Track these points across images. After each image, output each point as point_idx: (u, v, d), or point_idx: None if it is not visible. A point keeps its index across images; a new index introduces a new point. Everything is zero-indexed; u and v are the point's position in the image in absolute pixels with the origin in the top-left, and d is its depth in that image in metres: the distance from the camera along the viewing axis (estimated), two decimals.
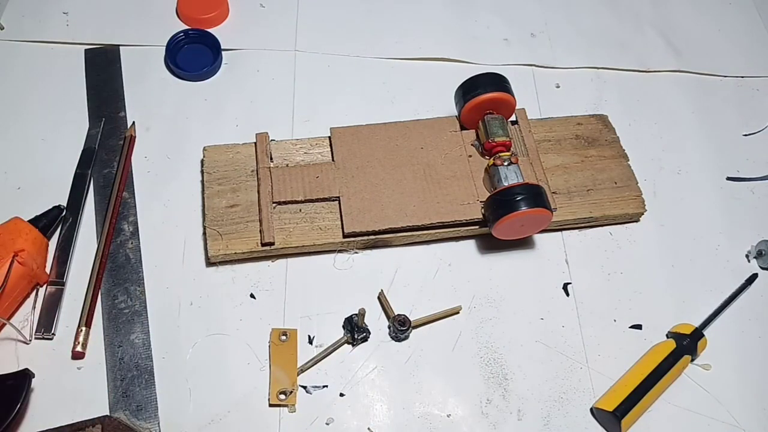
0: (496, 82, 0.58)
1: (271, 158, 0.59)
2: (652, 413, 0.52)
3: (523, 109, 0.63)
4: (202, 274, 0.55)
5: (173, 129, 0.63)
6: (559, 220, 0.58)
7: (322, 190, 0.57)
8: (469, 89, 0.59)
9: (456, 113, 0.61)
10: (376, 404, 0.51)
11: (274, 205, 0.56)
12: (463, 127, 0.61)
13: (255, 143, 0.59)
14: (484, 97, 0.58)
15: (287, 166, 0.58)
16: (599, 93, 0.70)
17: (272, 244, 0.54)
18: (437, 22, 0.74)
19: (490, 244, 0.58)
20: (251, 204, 0.56)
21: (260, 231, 0.55)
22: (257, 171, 0.57)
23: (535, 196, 0.53)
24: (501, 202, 0.53)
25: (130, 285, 0.54)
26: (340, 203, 0.56)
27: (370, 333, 0.53)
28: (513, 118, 0.62)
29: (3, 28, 0.67)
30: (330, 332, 0.53)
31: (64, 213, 0.56)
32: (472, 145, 0.60)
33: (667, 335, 0.56)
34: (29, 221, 0.53)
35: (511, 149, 0.58)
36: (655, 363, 0.52)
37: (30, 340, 0.51)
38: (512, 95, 0.59)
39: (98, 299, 0.53)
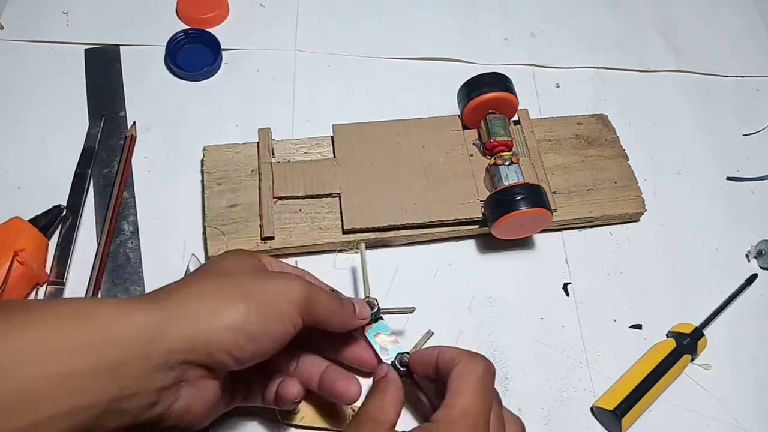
0: (499, 81, 0.58)
1: (273, 154, 0.59)
2: (652, 412, 0.52)
3: (526, 109, 0.63)
4: None
5: (173, 129, 0.63)
6: (559, 220, 0.58)
7: (323, 186, 0.57)
8: (472, 88, 0.59)
9: (458, 112, 0.61)
10: None
11: (274, 200, 0.56)
12: (465, 126, 0.61)
13: (257, 140, 0.59)
14: (487, 96, 0.58)
15: (288, 161, 0.59)
16: (599, 93, 0.70)
17: (272, 238, 0.54)
18: (437, 22, 0.74)
19: (490, 244, 0.58)
20: (251, 204, 0.56)
21: (260, 225, 0.55)
22: (258, 166, 0.58)
23: (535, 196, 0.53)
24: (501, 202, 0.53)
25: (130, 285, 0.54)
26: (340, 199, 0.56)
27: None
28: (515, 118, 0.62)
29: (3, 28, 0.67)
30: None
31: (64, 213, 0.56)
32: (473, 144, 0.60)
33: (667, 335, 0.56)
34: (29, 221, 0.53)
35: (513, 149, 0.58)
36: (655, 362, 0.52)
37: None
38: (515, 95, 0.59)
39: None
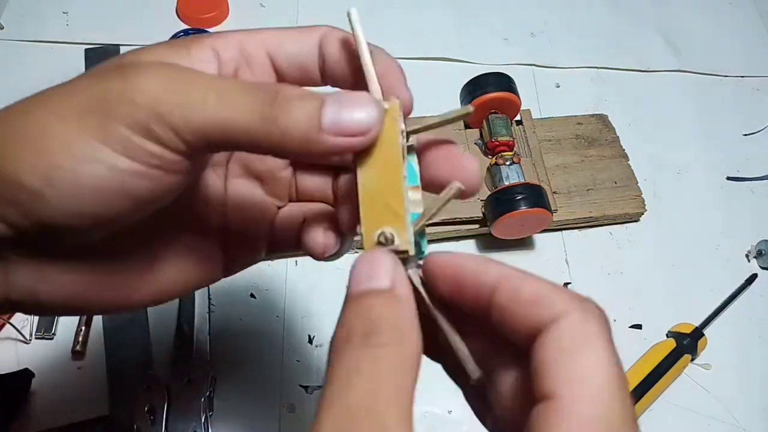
0: (502, 81, 0.58)
1: None
2: (652, 412, 0.52)
3: (529, 110, 0.63)
4: None
5: None
6: (559, 220, 0.58)
7: None
8: (475, 88, 0.59)
9: None
10: None
11: None
12: (467, 126, 0.61)
13: None
14: (489, 96, 0.57)
15: None
16: (599, 93, 0.70)
17: None
18: (437, 22, 0.74)
19: (490, 244, 0.58)
20: None
21: None
22: None
23: (535, 196, 0.53)
24: (501, 201, 0.53)
25: None
26: None
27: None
28: (518, 118, 0.62)
29: (3, 28, 0.67)
30: (330, 332, 0.53)
31: None
32: (475, 143, 0.60)
33: (667, 335, 0.56)
34: None
35: (515, 149, 0.58)
36: (655, 362, 0.52)
37: (30, 340, 0.51)
38: (517, 96, 0.59)
39: None
